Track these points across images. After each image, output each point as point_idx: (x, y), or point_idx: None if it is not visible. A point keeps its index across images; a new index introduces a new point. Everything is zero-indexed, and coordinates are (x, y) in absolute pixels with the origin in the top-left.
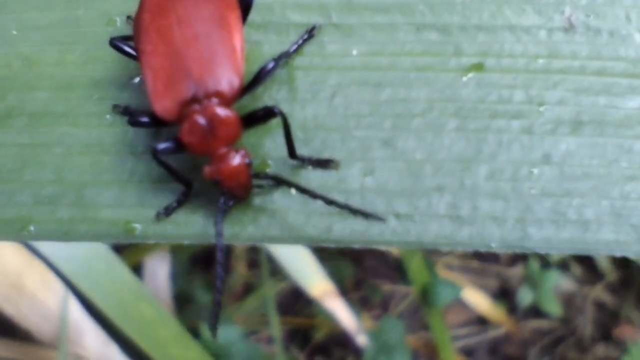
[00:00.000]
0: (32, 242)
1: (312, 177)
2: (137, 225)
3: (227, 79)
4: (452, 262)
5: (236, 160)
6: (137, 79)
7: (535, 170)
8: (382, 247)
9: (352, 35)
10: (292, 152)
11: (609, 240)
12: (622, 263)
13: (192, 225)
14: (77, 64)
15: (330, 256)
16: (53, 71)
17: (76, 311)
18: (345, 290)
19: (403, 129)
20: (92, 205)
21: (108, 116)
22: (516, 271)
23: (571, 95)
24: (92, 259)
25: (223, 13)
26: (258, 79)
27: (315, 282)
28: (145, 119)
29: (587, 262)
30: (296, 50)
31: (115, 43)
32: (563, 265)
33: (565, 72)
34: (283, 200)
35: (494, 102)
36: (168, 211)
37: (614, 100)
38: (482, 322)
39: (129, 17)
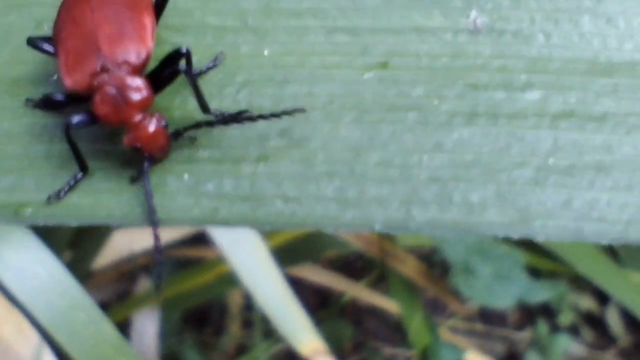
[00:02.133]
0: (9, 289)
1: (207, 162)
2: (29, 209)
3: (134, 50)
4: (457, 324)
5: (153, 124)
6: (55, 76)
7: (425, 157)
8: (267, 228)
9: (265, 38)
10: (204, 107)
11: (493, 221)
12: (635, 328)
13: (82, 208)
14: (2, 65)
15: (328, 316)
16: None
17: None
18: (344, 352)
19: (301, 121)
20: None
21: (21, 110)
22: (524, 335)
23: (469, 90)
24: (72, 310)
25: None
26: (168, 77)
27: (306, 340)
28: (58, 97)
29: (598, 325)
30: (201, 73)
31: (32, 40)
32: (573, 328)
33: (467, 70)
34: (174, 184)
35: (392, 96)
36: (60, 194)
37: (511, 94)
38: None
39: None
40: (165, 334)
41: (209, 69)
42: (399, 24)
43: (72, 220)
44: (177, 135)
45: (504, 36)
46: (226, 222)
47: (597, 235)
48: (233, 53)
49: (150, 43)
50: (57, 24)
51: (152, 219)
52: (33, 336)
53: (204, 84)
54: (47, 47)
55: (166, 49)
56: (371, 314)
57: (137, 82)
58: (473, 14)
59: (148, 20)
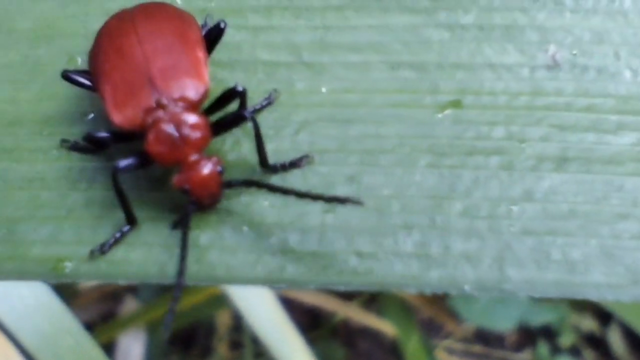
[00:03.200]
0: None
1: (268, 212)
2: (68, 264)
3: (192, 85)
4: (454, 345)
5: (208, 167)
6: (90, 116)
7: (515, 208)
8: (341, 288)
9: (322, 73)
10: (263, 161)
11: (600, 282)
12: (637, 348)
13: (130, 263)
14: (31, 101)
15: (320, 337)
16: (5, 108)
17: None
18: None
19: (370, 165)
20: (24, 241)
21: (55, 151)
22: (523, 356)
23: (556, 132)
24: (59, 334)
25: (184, 31)
26: (231, 121)
27: None
28: (102, 134)
29: (600, 346)
30: (254, 112)
31: (67, 75)
32: (575, 350)
33: (550, 109)
34: (233, 237)
35: (471, 138)
36: (103, 248)
37: (603, 137)
38: None
39: None
40: (150, 356)
41: (262, 107)
42: (469, 60)
43: (120, 278)
44: (229, 186)
45: (587, 73)
46: (294, 283)
47: None
48: (288, 90)
49: (207, 78)
50: (97, 55)
51: (179, 272)
52: None
53: (259, 124)
54: (84, 80)
55: (214, 86)
56: (364, 335)
57: (196, 119)
58: (552, 48)
59: (201, 53)
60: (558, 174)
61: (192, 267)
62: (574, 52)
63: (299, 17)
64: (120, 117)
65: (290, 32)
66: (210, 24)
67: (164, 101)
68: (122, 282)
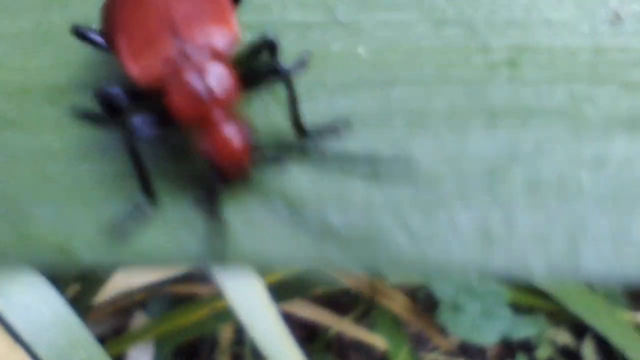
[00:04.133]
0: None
1: (305, 186)
2: (79, 247)
3: (219, 32)
4: (439, 358)
5: (235, 129)
6: (104, 83)
7: (586, 176)
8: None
9: (359, 34)
10: (298, 124)
11: None
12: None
13: (147, 244)
14: (42, 69)
15: (314, 351)
16: (13, 77)
17: None
18: None
19: (419, 129)
20: (28, 219)
21: (64, 120)
22: None
23: (625, 92)
24: (73, 347)
25: None
26: (261, 75)
27: None
28: (114, 92)
29: (575, 358)
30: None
31: (78, 30)
32: None
33: (617, 66)
34: (265, 216)
35: (529, 99)
36: (123, 228)
37: None
38: None
39: None
40: None
41: (295, 70)
42: (523, 16)
43: (136, 261)
44: (259, 155)
45: None
46: (337, 265)
47: None
48: (321, 52)
49: (235, 26)
50: (112, 6)
51: (212, 255)
52: None
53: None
54: (97, 38)
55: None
56: (356, 348)
57: (223, 70)
58: (613, 2)
59: (227, 3)
60: (630, 139)
61: (215, 249)
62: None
63: None
64: (137, 69)
65: None
66: None
67: (188, 50)
68: (139, 264)
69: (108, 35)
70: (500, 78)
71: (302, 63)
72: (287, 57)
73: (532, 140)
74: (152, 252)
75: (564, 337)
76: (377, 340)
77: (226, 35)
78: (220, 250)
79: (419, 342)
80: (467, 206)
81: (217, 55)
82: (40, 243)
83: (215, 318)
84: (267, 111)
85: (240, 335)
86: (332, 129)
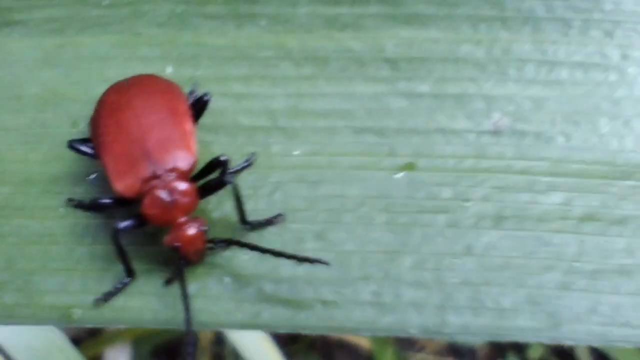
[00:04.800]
0: None
1: (246, 265)
2: (77, 311)
3: (182, 157)
4: (427, 358)
5: (194, 227)
6: (92, 176)
7: (457, 261)
8: (309, 332)
9: (295, 137)
10: (242, 219)
11: (525, 327)
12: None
13: (129, 311)
14: (40, 161)
15: (299, 350)
16: (17, 168)
17: None
18: None
19: (335, 223)
20: (37, 291)
21: (62, 209)
22: None
23: (495, 192)
24: (49, 351)
25: (174, 105)
26: (210, 168)
27: None
28: (105, 200)
29: (568, 358)
30: (235, 174)
31: (72, 145)
32: None
33: (491, 172)
34: (216, 288)
35: (422, 198)
36: (106, 297)
37: (535, 197)
38: None
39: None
40: None
41: (243, 168)
42: (424, 126)
43: (120, 324)
44: (214, 243)
45: (525, 138)
46: (268, 327)
47: (623, 340)
48: (264, 153)
49: (195, 150)
50: (98, 127)
51: (187, 323)
52: None
53: (239, 185)
54: (88, 149)
55: (200, 148)
56: (341, 348)
57: (186, 186)
58: (495, 115)
59: (189, 126)
60: (495, 230)
61: (179, 314)
62: (516, 118)
63: (275, 86)
64: (121, 186)
65: (267, 99)
66: (197, 90)
67: (159, 171)
68: (121, 327)
69: (95, 148)
70: (403, 180)
71: (249, 163)
72: (238, 155)
73: (420, 233)
74: (133, 317)
75: None
76: (362, 341)
77: (188, 158)
78: (184, 316)
79: (405, 343)
80: (367, 281)
81: (181, 174)
82: (46, 309)
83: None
84: (222, 205)
85: (220, 335)
86: (270, 222)
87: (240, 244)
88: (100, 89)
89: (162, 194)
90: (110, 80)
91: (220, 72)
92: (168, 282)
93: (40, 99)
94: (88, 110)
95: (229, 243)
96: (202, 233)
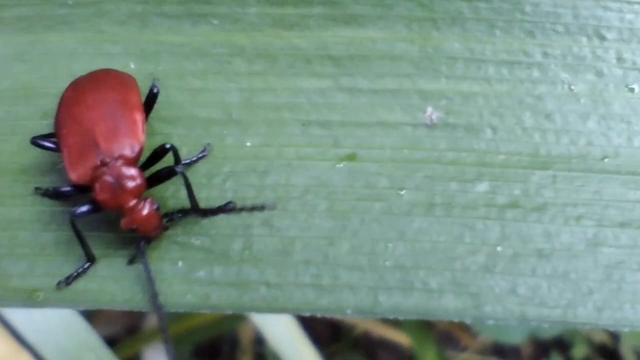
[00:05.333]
0: (17, 330)
1: (198, 250)
2: (41, 294)
3: (129, 145)
4: (472, 358)
5: (146, 208)
6: (60, 165)
7: (391, 246)
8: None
9: (247, 130)
10: (195, 206)
11: (450, 307)
12: None
13: (88, 293)
14: (11, 152)
15: (341, 349)
16: None
17: None
18: None
19: (281, 210)
20: (4, 275)
21: (30, 197)
22: None
23: (427, 181)
24: (80, 349)
25: (125, 96)
26: (165, 175)
27: None
28: (65, 189)
29: (613, 357)
30: (191, 164)
31: (35, 141)
32: None
33: (425, 162)
34: (170, 271)
35: (361, 187)
36: (68, 280)
37: (463, 186)
38: None
39: None
40: None
41: (198, 159)
42: (365, 119)
43: (79, 305)
44: (168, 216)
45: (456, 130)
46: (216, 308)
47: (539, 319)
48: (219, 144)
49: (142, 137)
50: (58, 121)
51: (155, 301)
52: (27, 359)
53: (194, 173)
54: (50, 144)
55: (159, 140)
56: (384, 347)
57: (132, 171)
58: (429, 109)
59: (139, 116)
60: (426, 217)
61: (137, 295)
62: (447, 111)
63: (229, 81)
64: (75, 175)
65: (222, 93)
66: (157, 85)
67: (107, 160)
68: (81, 308)
69: (57, 142)
70: (344, 169)
71: (204, 154)
72: (195, 146)
73: (358, 220)
74: (92, 299)
75: (600, 336)
76: (405, 339)
77: (134, 146)
78: (142, 299)
79: (449, 342)
80: (307, 264)
81: (127, 161)
82: (12, 291)
83: (232, 317)
84: (178, 193)
85: (261, 335)
86: (221, 210)
87: (193, 210)
88: (67, 83)
89: (110, 180)
90: (77, 75)
91: (178, 68)
92: (131, 261)
93: (12, 92)
94: (56, 104)
95: (183, 213)
96: (154, 211)
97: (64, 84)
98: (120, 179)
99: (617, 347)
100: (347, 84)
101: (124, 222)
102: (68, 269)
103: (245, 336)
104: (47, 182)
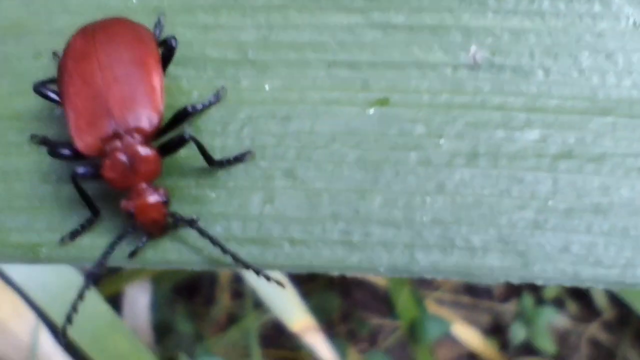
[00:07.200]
0: (3, 271)
1: (215, 203)
2: (43, 249)
3: (146, 116)
4: (443, 296)
5: (153, 197)
6: (57, 111)
7: (428, 199)
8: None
9: (265, 71)
10: (209, 161)
11: (495, 266)
12: (619, 301)
13: (95, 249)
14: (3, 96)
15: (317, 288)
16: None
17: (47, 342)
18: (331, 323)
19: (305, 160)
20: (3, 229)
21: (26, 146)
22: (509, 307)
23: (470, 129)
24: (65, 288)
25: (142, 57)
26: (177, 120)
27: (296, 316)
28: (66, 152)
29: (583, 298)
30: (203, 109)
31: (39, 89)
32: (558, 301)
33: (467, 107)
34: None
35: (394, 135)
36: (72, 236)
37: (511, 134)
38: (473, 358)
39: (54, 54)
40: (156, 305)
41: (211, 104)
42: (399, 59)
43: (86, 262)
44: (174, 217)
45: (503, 72)
46: (234, 266)
47: (594, 280)
48: (234, 87)
49: (161, 107)
50: (64, 75)
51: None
52: (29, 316)
53: (207, 120)
54: (54, 96)
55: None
56: (359, 285)
57: (148, 152)
58: (473, 48)
59: (157, 80)
60: (468, 168)
61: (148, 252)
62: (493, 52)
63: (244, 16)
64: (82, 144)
65: (236, 30)
66: (163, 22)
67: (120, 131)
68: (88, 264)
69: (59, 94)
70: (375, 116)
71: (218, 97)
72: (206, 90)
73: (391, 171)
74: (98, 255)
75: None
76: (379, 278)
77: (153, 118)
78: (150, 255)
79: (422, 282)
80: (336, 219)
81: (144, 135)
82: (12, 247)
83: None
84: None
85: (238, 274)
86: (238, 159)
87: (202, 232)
88: (61, 20)
89: (123, 159)
90: (73, 11)
91: (186, 1)
92: (132, 254)
93: (1, 30)
94: (51, 43)
95: (191, 224)
96: (160, 204)
97: (59, 21)
98: (134, 159)
99: (588, 288)
100: (379, 19)
101: (124, 203)
102: (71, 224)
103: (224, 275)
104: (44, 129)
